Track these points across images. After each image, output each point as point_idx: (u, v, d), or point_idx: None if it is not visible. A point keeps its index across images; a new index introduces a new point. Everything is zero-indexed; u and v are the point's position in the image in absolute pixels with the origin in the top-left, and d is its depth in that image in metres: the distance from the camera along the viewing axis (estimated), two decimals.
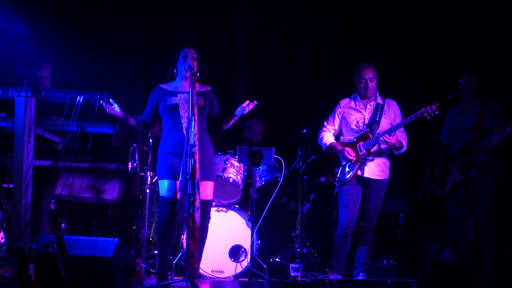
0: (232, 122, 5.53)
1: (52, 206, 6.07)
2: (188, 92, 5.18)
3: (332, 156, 6.03)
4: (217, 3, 7.58)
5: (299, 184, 6.57)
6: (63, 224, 6.24)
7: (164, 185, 5.23)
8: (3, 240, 5.40)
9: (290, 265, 5.58)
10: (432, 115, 5.63)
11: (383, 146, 5.85)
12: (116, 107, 5.27)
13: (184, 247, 5.49)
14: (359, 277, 5.88)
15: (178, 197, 5.15)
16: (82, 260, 4.25)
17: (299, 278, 5.51)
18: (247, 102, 5.35)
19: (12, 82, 5.87)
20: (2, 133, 5.55)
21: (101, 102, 5.34)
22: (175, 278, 5.56)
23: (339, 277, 5.79)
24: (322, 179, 6.78)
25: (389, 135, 5.73)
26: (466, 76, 5.98)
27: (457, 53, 7.38)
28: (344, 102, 6.09)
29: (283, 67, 7.63)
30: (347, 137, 6.01)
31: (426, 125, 6.00)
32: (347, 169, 5.89)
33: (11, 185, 5.69)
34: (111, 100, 5.30)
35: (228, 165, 6.32)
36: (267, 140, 7.08)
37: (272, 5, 7.62)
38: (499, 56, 7.09)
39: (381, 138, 5.73)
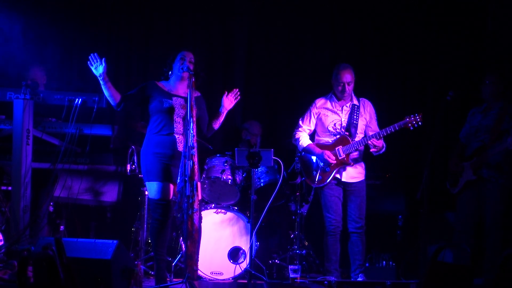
0: (221, 120, 5.50)
1: (51, 208, 6.07)
2: (182, 97, 5.27)
3: (309, 158, 6.01)
4: (216, 2, 7.58)
5: (298, 185, 6.56)
6: (61, 226, 6.24)
7: (154, 187, 5.21)
8: (2, 243, 5.39)
9: (289, 266, 5.58)
10: (415, 125, 5.61)
11: (372, 150, 5.82)
12: (101, 68, 5.15)
13: (183, 249, 5.48)
14: (358, 279, 5.87)
15: (170, 198, 5.15)
16: (81, 262, 4.25)
17: (298, 280, 5.50)
18: (226, 93, 5.36)
19: (9, 84, 5.87)
20: (0, 135, 5.55)
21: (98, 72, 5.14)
22: (174, 280, 5.56)
23: (335, 279, 5.78)
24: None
25: (377, 139, 5.74)
26: (486, 79, 6.01)
27: (454, 54, 7.39)
28: (320, 102, 6.05)
29: (281, 67, 7.64)
30: (323, 138, 5.97)
31: (425, 125, 5.99)
32: (325, 172, 5.86)
33: (9, 188, 5.70)
34: (104, 59, 5.14)
35: (227, 167, 6.32)
36: (266, 141, 7.07)
37: (271, 5, 7.62)
38: (496, 56, 7.09)
39: (369, 142, 5.71)
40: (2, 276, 4.96)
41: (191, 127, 4.97)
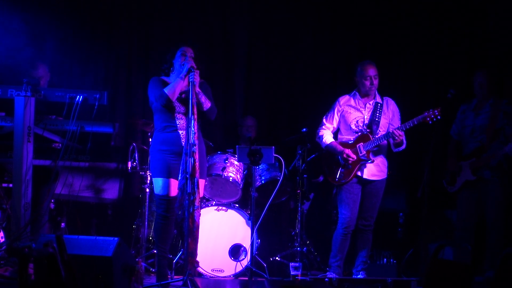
0: (201, 97, 5.26)
1: (52, 206, 6.07)
2: (184, 92, 5.23)
3: (331, 156, 6.02)
4: (216, 2, 7.57)
5: (298, 183, 6.56)
6: (62, 224, 6.24)
7: (159, 183, 5.24)
8: (3, 240, 5.40)
9: (290, 264, 5.58)
10: (434, 119, 5.62)
11: (392, 143, 5.83)
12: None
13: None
14: (359, 276, 5.88)
15: (175, 194, 5.15)
16: (82, 260, 4.25)
17: (299, 277, 5.50)
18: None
19: (12, 81, 5.86)
20: (1, 132, 5.55)
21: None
22: (175, 277, 5.56)
23: (336, 276, 5.80)
24: (321, 178, 6.77)
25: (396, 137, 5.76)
26: (477, 76, 6.02)
27: (455, 52, 7.38)
28: (343, 99, 6.07)
29: (282, 66, 7.63)
30: (346, 136, 6.00)
31: (427, 123, 5.99)
32: (346, 169, 5.88)
33: (10, 185, 5.69)
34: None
35: (228, 164, 6.32)
36: (267, 139, 7.07)
37: (271, 4, 7.61)
38: (497, 55, 7.09)
39: (394, 131, 5.67)
40: (3, 273, 4.96)
41: (192, 124, 4.96)
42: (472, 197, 5.97)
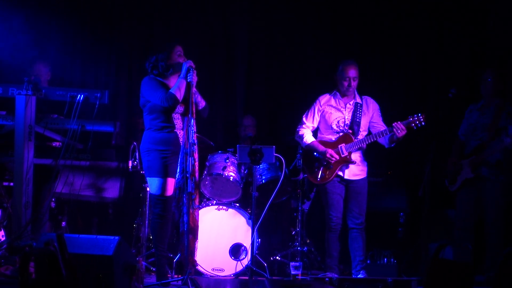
0: (197, 97, 5.42)
1: (53, 204, 6.09)
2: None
3: (312, 155, 6.01)
4: (216, 2, 7.57)
5: (299, 182, 6.56)
6: (63, 222, 6.25)
7: (155, 183, 5.20)
8: (3, 239, 5.41)
9: (291, 263, 5.58)
10: (419, 125, 5.61)
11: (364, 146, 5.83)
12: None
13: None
14: (359, 275, 5.88)
15: (171, 194, 5.15)
16: (83, 258, 4.25)
17: (300, 277, 5.50)
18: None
19: (13, 79, 5.87)
20: (2, 131, 5.56)
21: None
22: (175, 276, 5.57)
23: (336, 276, 5.80)
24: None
25: (377, 138, 5.77)
26: (485, 75, 6.02)
27: (456, 52, 7.38)
28: (324, 99, 6.05)
29: (282, 66, 7.64)
30: (327, 136, 5.99)
31: (427, 122, 6.00)
32: (328, 169, 5.87)
33: (11, 184, 5.70)
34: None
35: (229, 164, 6.32)
36: (267, 138, 7.08)
37: (271, 4, 7.61)
38: (497, 55, 7.09)
39: (397, 125, 5.58)
40: (4, 272, 4.97)
41: (192, 123, 4.96)
42: (471, 196, 5.98)
